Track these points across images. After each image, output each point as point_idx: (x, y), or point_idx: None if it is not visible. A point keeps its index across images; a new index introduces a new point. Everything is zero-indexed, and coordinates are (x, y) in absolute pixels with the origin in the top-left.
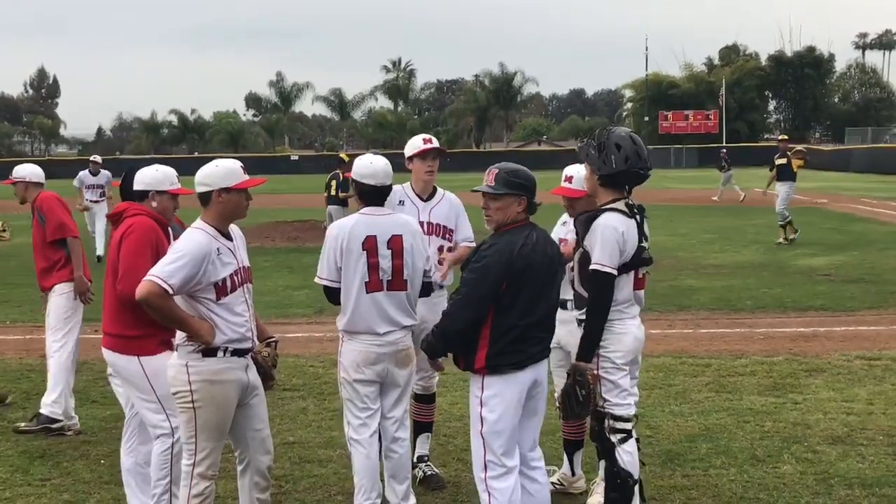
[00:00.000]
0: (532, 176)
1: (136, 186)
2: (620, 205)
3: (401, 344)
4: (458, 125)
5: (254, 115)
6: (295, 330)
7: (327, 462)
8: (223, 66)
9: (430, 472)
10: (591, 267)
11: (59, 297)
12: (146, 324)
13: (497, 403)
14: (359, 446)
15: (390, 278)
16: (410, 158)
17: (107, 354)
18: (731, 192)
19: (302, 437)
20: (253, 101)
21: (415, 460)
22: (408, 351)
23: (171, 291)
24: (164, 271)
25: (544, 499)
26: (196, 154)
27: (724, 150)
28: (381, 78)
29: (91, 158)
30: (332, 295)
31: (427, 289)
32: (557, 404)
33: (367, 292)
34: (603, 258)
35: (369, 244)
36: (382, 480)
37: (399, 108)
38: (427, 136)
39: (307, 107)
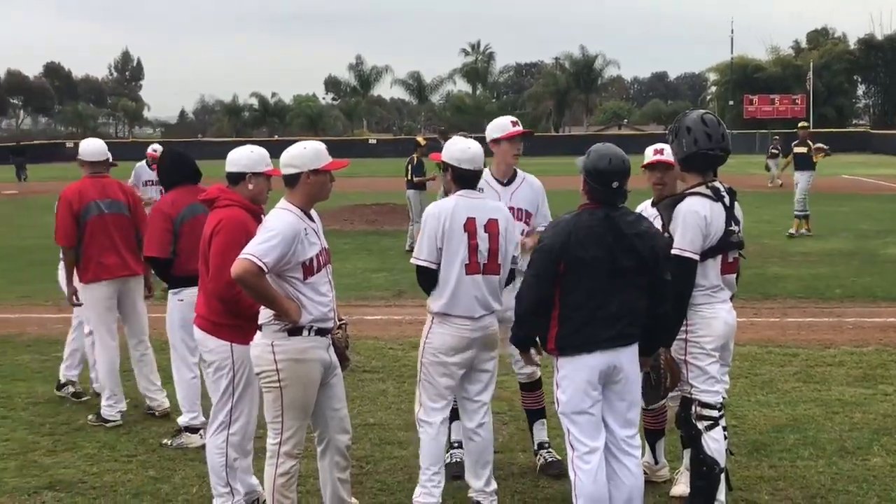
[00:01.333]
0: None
1: (231, 168)
2: (703, 189)
3: (490, 328)
4: (536, 109)
5: (333, 99)
6: (374, 312)
7: (407, 444)
8: (303, 49)
9: (550, 459)
10: (673, 252)
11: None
12: (234, 315)
13: (567, 385)
14: (428, 428)
15: (486, 261)
16: (497, 141)
17: (198, 334)
18: (776, 175)
19: (382, 418)
20: (332, 84)
21: (535, 448)
22: (495, 334)
23: (265, 270)
24: (259, 249)
25: (634, 486)
26: (276, 137)
27: (777, 137)
28: (460, 61)
29: (149, 150)
30: (428, 278)
31: (511, 275)
32: None
33: (467, 274)
34: (683, 243)
35: (470, 226)
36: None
37: (477, 92)
38: (513, 118)
39: (386, 90)
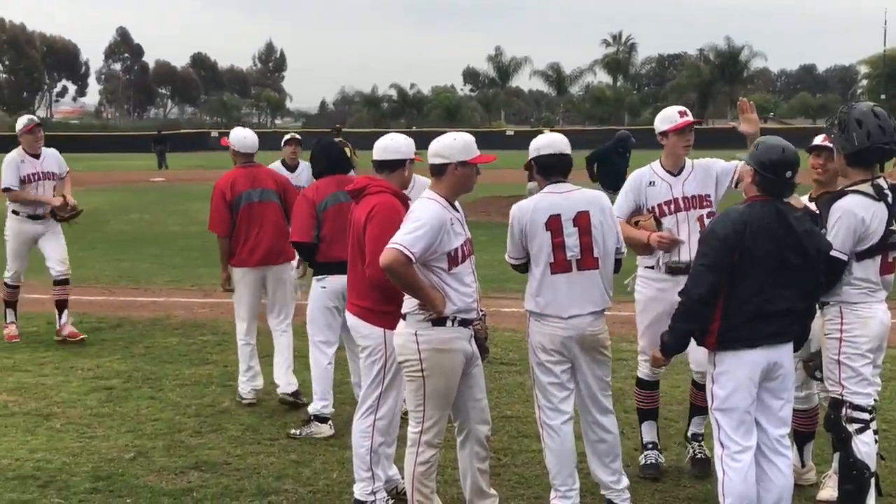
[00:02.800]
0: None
1: (390, 156)
2: (866, 187)
3: (589, 329)
4: (679, 101)
5: (471, 90)
6: (511, 304)
7: None
8: (442, 41)
9: (649, 462)
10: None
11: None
12: (393, 300)
13: (727, 380)
14: (551, 431)
15: (579, 257)
16: (664, 133)
17: (352, 320)
18: None
19: (519, 411)
20: (470, 76)
21: (648, 445)
22: (597, 336)
23: (413, 259)
24: (407, 239)
25: (784, 486)
26: (414, 128)
27: None
28: (601, 52)
29: (286, 138)
30: (522, 272)
31: (618, 265)
32: None
33: (552, 273)
34: (836, 243)
35: (553, 224)
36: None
37: (618, 83)
38: (681, 107)
39: (524, 82)
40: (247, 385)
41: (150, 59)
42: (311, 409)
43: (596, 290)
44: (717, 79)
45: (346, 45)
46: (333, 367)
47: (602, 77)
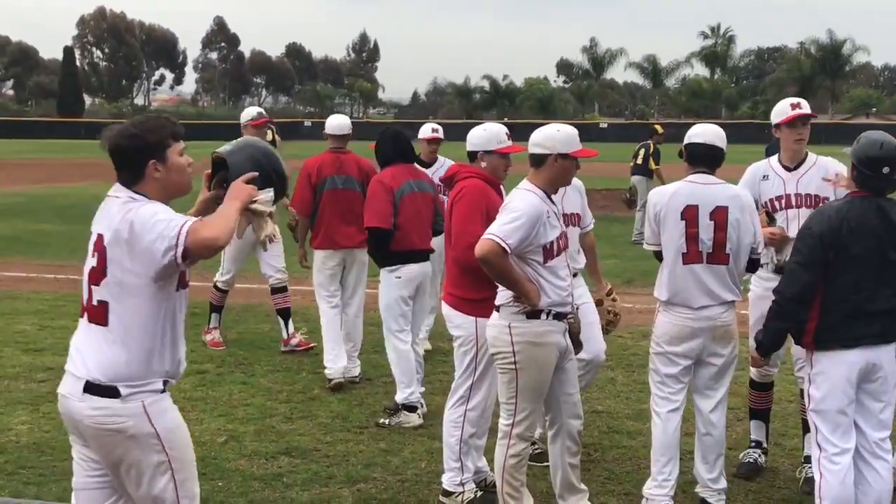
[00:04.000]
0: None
1: (467, 147)
2: None
3: (719, 320)
4: (778, 95)
5: (564, 82)
6: None
7: (636, 434)
8: (535, 32)
9: (748, 460)
10: None
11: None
12: (485, 286)
13: (823, 381)
14: (657, 419)
15: (710, 251)
16: (777, 126)
17: (445, 310)
18: None
19: (610, 406)
20: (564, 67)
21: (751, 443)
22: (727, 328)
23: (509, 251)
24: (503, 230)
25: (883, 490)
26: (506, 119)
27: None
28: (698, 44)
29: (424, 135)
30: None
31: (754, 265)
32: None
33: (684, 263)
34: None
35: (689, 214)
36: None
37: (715, 76)
38: (796, 100)
39: (619, 73)
40: (332, 364)
41: (245, 48)
42: (399, 398)
43: (725, 283)
44: (818, 73)
45: (440, 36)
46: (414, 354)
47: (699, 70)
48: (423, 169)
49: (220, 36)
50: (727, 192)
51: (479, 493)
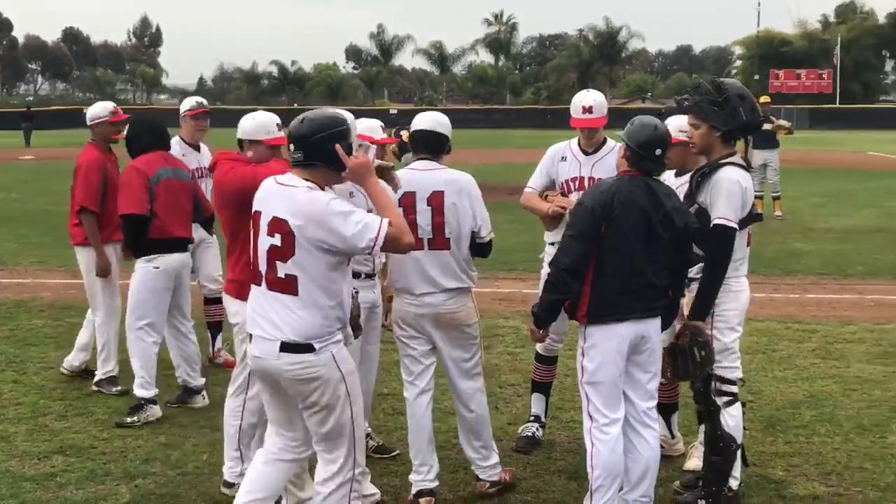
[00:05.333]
0: (637, 129)
1: (237, 135)
2: (738, 158)
3: (442, 307)
4: (559, 81)
5: (354, 68)
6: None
7: None
8: (324, 17)
9: (526, 434)
10: (716, 222)
11: None
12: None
13: (596, 354)
14: (407, 404)
15: (430, 236)
16: (573, 119)
17: (224, 297)
18: None
19: (395, 389)
20: (353, 53)
21: (530, 417)
22: (453, 314)
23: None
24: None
25: (651, 458)
26: (295, 105)
27: None
28: (483, 31)
29: (188, 109)
30: None
31: (481, 249)
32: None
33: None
34: (728, 213)
35: (407, 201)
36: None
37: (500, 63)
38: (589, 102)
39: (407, 60)
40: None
41: (18, 33)
42: (141, 393)
43: (450, 270)
44: (597, 59)
45: (226, 21)
46: (157, 349)
47: (484, 56)
48: (194, 151)
49: None
50: (444, 177)
51: None
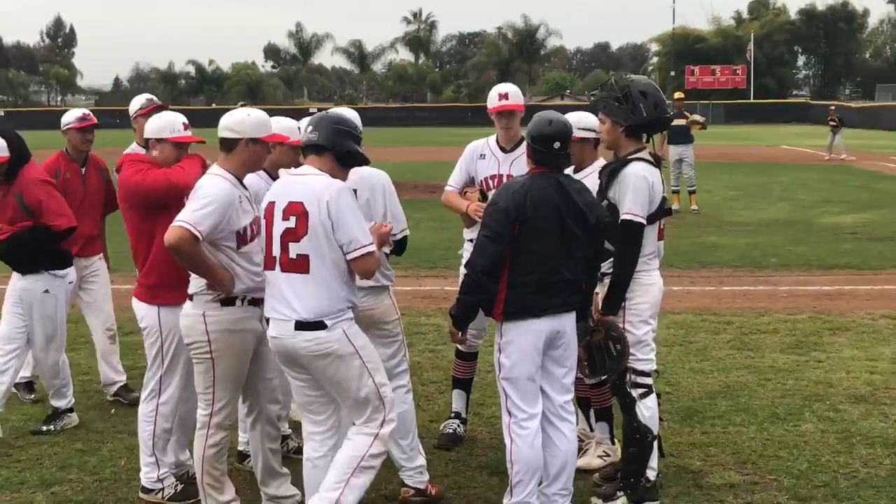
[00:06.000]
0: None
1: (144, 134)
2: (645, 154)
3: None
4: (479, 78)
5: (272, 67)
6: None
7: None
8: (242, 15)
9: (448, 430)
10: (623, 217)
11: None
12: (168, 275)
13: (512, 350)
14: None
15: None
16: (490, 113)
17: (133, 301)
18: (838, 151)
19: None
20: (272, 52)
21: (451, 414)
22: (369, 312)
23: (200, 237)
24: (194, 217)
25: (569, 451)
26: (214, 105)
27: (833, 108)
28: (402, 30)
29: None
30: None
31: (396, 247)
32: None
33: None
34: (635, 208)
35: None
36: None
37: (420, 61)
38: (505, 89)
39: (326, 59)
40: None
41: None
42: (57, 403)
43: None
44: (516, 56)
45: (141, 21)
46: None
47: (404, 55)
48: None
49: None
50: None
51: (179, 487)
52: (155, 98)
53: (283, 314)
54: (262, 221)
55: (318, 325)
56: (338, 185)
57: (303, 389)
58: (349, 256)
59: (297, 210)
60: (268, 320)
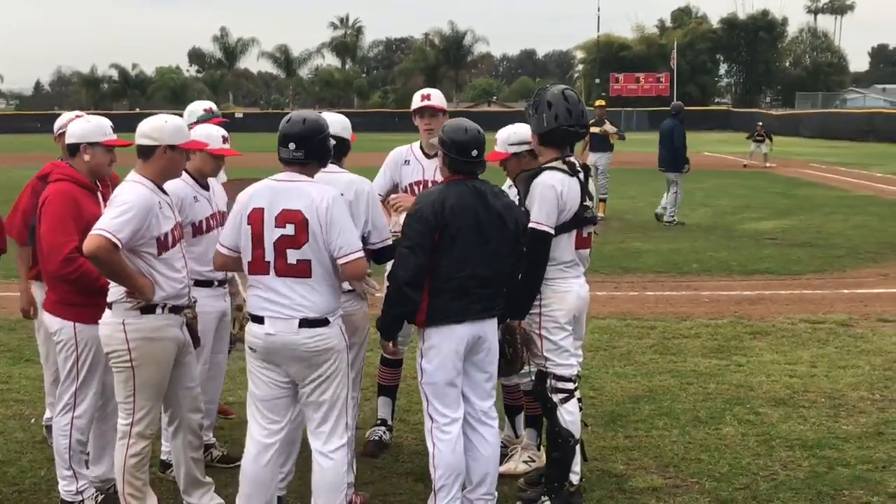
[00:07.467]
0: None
1: (68, 140)
2: (559, 163)
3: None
4: (406, 84)
5: (197, 71)
6: None
7: None
8: (166, 19)
9: (373, 438)
10: (530, 225)
11: None
12: (80, 293)
13: (434, 355)
14: None
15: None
16: (413, 115)
17: (45, 315)
18: (759, 159)
19: (241, 396)
20: (196, 56)
21: (377, 421)
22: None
23: (120, 245)
24: (112, 224)
25: (491, 456)
26: (137, 110)
27: (760, 124)
28: (329, 35)
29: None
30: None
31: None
32: None
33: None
34: (540, 216)
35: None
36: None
37: (347, 67)
38: (427, 91)
39: (252, 63)
40: None
41: None
42: None
43: None
44: (443, 63)
45: (63, 24)
46: None
47: (331, 60)
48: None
49: None
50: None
51: (100, 498)
52: (214, 107)
53: (284, 313)
54: (247, 227)
55: (322, 322)
56: (333, 193)
57: (271, 387)
58: (343, 261)
59: (294, 218)
60: (257, 319)
